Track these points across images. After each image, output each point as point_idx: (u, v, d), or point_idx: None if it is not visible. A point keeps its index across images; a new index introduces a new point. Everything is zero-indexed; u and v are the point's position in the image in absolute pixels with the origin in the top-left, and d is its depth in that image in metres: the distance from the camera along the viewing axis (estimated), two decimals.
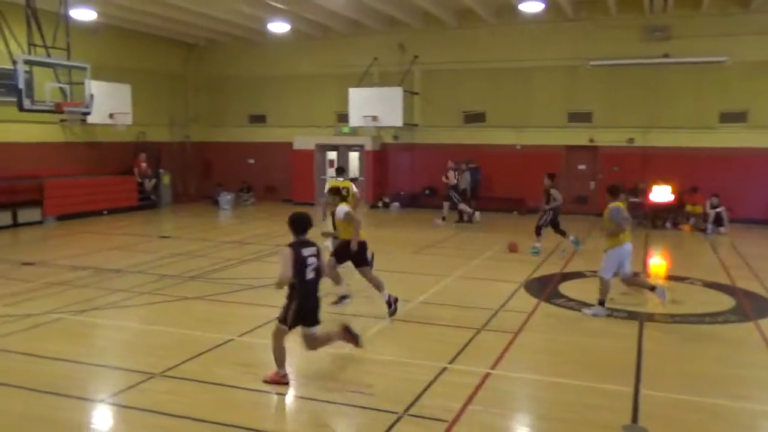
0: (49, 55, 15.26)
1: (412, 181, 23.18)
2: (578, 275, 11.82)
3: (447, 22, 21.31)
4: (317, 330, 6.68)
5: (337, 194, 9.59)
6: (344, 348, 7.54)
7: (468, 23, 21.46)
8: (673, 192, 18.87)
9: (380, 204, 23.19)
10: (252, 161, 25.31)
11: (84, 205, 19.47)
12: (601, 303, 9.14)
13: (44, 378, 6.68)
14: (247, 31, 22.79)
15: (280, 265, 6.36)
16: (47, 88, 15.91)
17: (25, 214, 17.95)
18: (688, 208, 18.60)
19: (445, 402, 6.06)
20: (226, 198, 23.41)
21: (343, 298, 9.60)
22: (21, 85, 14.22)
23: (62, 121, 19.77)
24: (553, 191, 14.00)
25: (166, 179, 23.83)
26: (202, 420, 5.67)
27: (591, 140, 20.95)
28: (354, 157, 23.92)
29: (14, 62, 14.21)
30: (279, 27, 21.18)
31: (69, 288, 10.73)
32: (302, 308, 6.46)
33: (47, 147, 19.87)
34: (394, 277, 11.93)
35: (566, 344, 8.08)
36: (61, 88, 16.41)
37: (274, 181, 24.92)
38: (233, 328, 8.43)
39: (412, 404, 6.00)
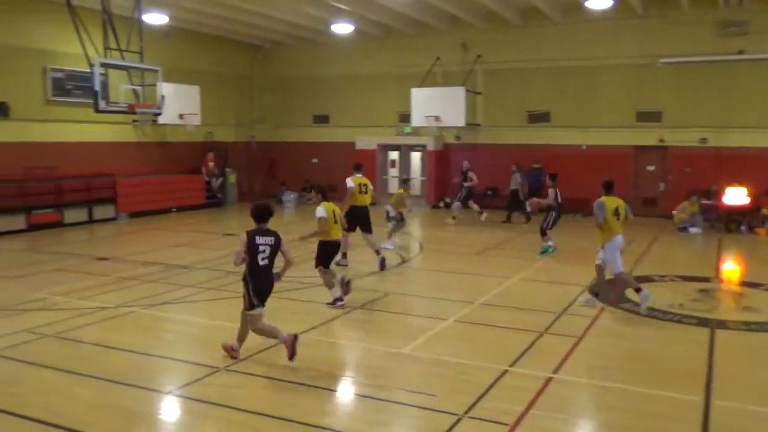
0: (123, 58, 15.84)
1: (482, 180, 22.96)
2: (646, 279, 11.46)
3: (511, 21, 21.04)
4: (262, 311, 7.19)
5: (320, 192, 10.08)
6: (403, 348, 7.56)
7: (533, 21, 21.13)
8: (749, 194, 18.06)
9: (441, 204, 23.10)
10: (315, 161, 25.64)
11: (154, 202, 20.16)
12: (638, 290, 9.18)
13: (115, 368, 6.95)
14: (312, 32, 23.11)
15: (236, 247, 7.08)
16: (121, 90, 16.54)
17: (100, 211, 18.75)
18: (765, 211, 17.78)
19: (506, 405, 5.98)
20: (289, 197, 23.80)
21: (338, 300, 9.57)
22: (97, 87, 14.80)
23: (134, 121, 20.53)
24: (550, 191, 13.98)
25: (232, 178, 24.43)
26: (264, 414, 5.78)
27: (661, 140, 20.29)
28: (416, 157, 23.92)
29: (91, 65, 14.80)
30: (343, 28, 21.41)
31: (140, 282, 11.12)
32: (257, 288, 7.07)
33: (120, 146, 20.67)
34: (455, 278, 11.91)
35: (633, 350, 7.85)
36: (134, 90, 17.02)
37: (336, 180, 25.06)
38: (295, 324, 8.52)
39: (471, 406, 5.95)
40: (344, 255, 12.40)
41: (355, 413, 6.12)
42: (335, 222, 9.79)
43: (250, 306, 7.12)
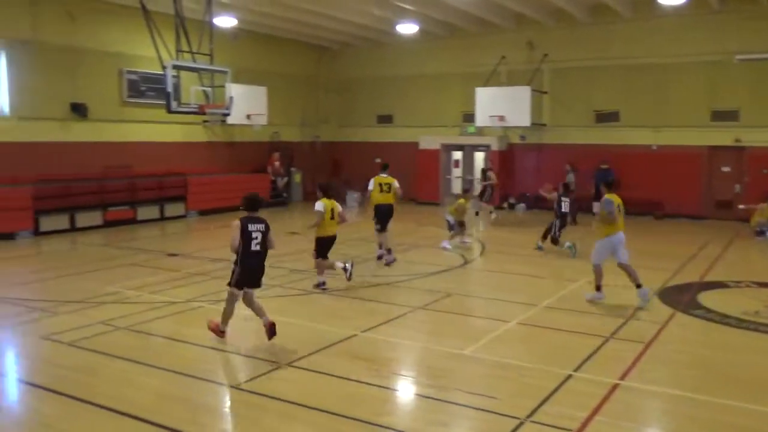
0: (194, 61, 16.33)
1: (538, 182, 22.54)
2: (720, 285, 11.02)
3: (579, 18, 20.60)
4: (256, 293, 7.87)
5: (320, 190, 10.61)
6: (464, 349, 7.51)
7: (602, 18, 20.63)
8: None
9: (505, 205, 22.83)
10: (378, 160, 25.69)
11: (222, 201, 20.66)
12: (598, 288, 9.81)
13: (183, 361, 7.17)
14: (377, 33, 23.24)
15: (230, 235, 7.58)
16: (192, 91, 17.05)
17: (171, 209, 19.39)
18: None
19: (570, 411, 5.85)
20: (353, 196, 24.01)
21: (321, 284, 10.56)
22: (169, 88, 15.30)
23: (205, 122, 21.15)
24: (552, 195, 14.09)
25: (297, 178, 24.83)
26: (326, 411, 5.84)
27: (737, 140, 19.44)
28: (479, 157, 23.71)
29: (164, 68, 15.31)
30: (408, 28, 21.44)
31: (208, 278, 11.44)
32: (245, 273, 7.65)
33: (191, 146, 21.32)
34: (518, 279, 11.75)
35: (706, 358, 7.55)
36: (204, 92, 17.52)
37: (399, 180, 25.10)
38: (357, 323, 8.62)
39: (534, 410, 5.85)
40: (388, 251, 12.78)
41: (416, 413, 6.11)
42: (332, 218, 10.35)
43: (233, 284, 7.70)
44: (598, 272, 9.87)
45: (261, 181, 23.03)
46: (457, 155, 24.10)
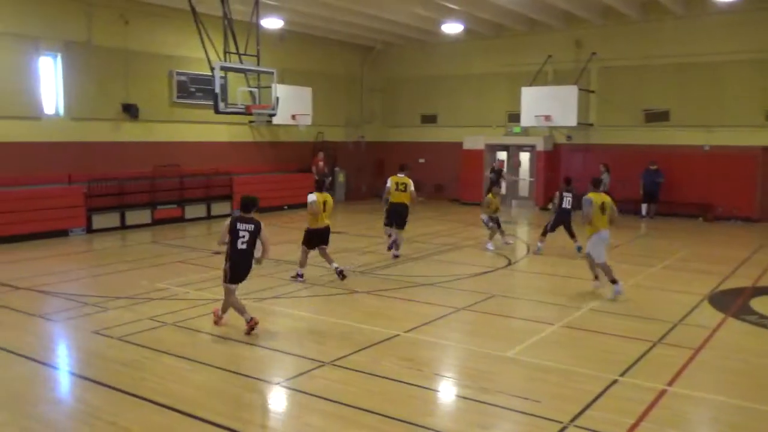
0: (241, 62, 16.56)
1: (584, 183, 22.14)
2: None
3: (629, 16, 20.19)
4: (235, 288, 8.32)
5: (316, 184, 11.39)
6: (507, 351, 7.45)
7: (652, 16, 20.19)
8: None
9: (550, 206, 22.47)
10: (422, 161, 25.71)
11: (268, 200, 20.87)
12: (614, 282, 10.06)
13: (227, 358, 7.30)
14: (422, 32, 23.20)
15: (222, 230, 8.17)
16: (239, 92, 17.31)
17: (217, 208, 19.72)
18: None
19: (615, 416, 5.74)
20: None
21: (299, 275, 11.20)
22: (217, 89, 15.53)
23: (251, 122, 21.47)
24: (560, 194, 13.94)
25: (341, 177, 24.97)
26: (367, 410, 5.86)
27: None
28: (525, 157, 23.45)
29: (212, 69, 15.56)
30: (453, 28, 21.35)
31: (252, 277, 11.52)
32: (234, 268, 8.12)
33: (237, 146, 21.66)
34: (563, 281, 11.58)
35: (756, 365, 7.31)
36: (250, 92, 17.76)
37: (443, 180, 25.13)
38: (399, 323, 8.62)
39: (578, 415, 5.76)
40: (397, 246, 13.44)
41: (457, 415, 6.08)
42: (323, 211, 10.93)
43: (225, 279, 8.24)
44: (606, 268, 10.22)
45: (305, 180, 23.23)
46: (502, 155, 23.88)
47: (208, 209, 19.50)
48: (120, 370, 6.89)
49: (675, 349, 7.65)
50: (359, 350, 7.50)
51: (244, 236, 8.06)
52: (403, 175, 13.40)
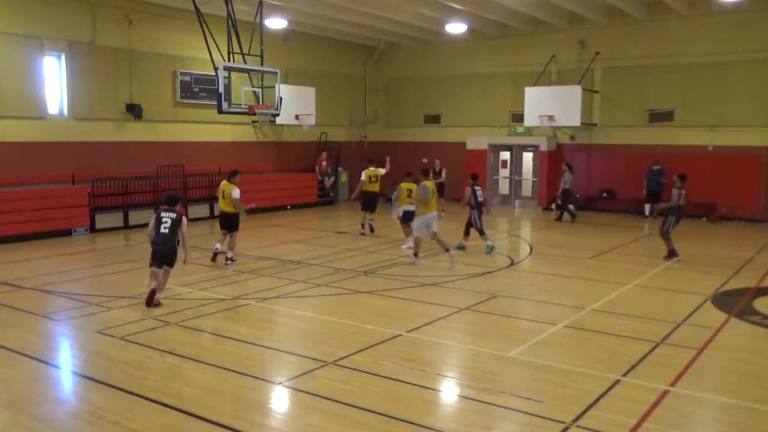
0: (245, 62, 16.57)
1: (588, 184, 22.20)
2: None
3: (633, 15, 20.14)
4: (162, 270, 9.47)
5: (233, 176, 12.78)
6: (509, 351, 7.45)
7: (656, 15, 20.14)
8: None
9: (553, 206, 22.48)
10: (425, 161, 25.66)
11: (271, 200, 20.94)
12: (416, 255, 12.67)
13: (230, 357, 7.30)
14: (426, 32, 23.20)
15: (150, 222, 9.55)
16: (242, 92, 17.33)
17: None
18: None
19: (618, 417, 5.73)
20: (396, 196, 23.95)
21: (230, 258, 12.62)
22: (221, 89, 15.55)
23: (254, 122, 21.48)
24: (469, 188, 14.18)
25: (344, 177, 24.98)
26: (369, 410, 5.87)
27: None
28: (528, 157, 23.43)
29: (216, 69, 15.58)
30: (457, 28, 21.33)
31: (256, 276, 11.62)
32: (153, 253, 9.45)
33: (241, 146, 21.69)
34: (566, 282, 11.57)
35: (762, 367, 7.29)
36: (254, 92, 17.77)
37: (446, 180, 25.04)
38: (402, 323, 8.62)
39: (580, 415, 5.75)
40: (371, 228, 16.23)
41: (459, 415, 6.08)
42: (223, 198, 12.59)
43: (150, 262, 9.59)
44: (417, 243, 12.71)
45: (309, 180, 23.27)
46: (505, 155, 23.86)
47: (211, 209, 19.51)
48: (123, 370, 6.91)
49: (678, 350, 7.64)
50: (362, 350, 7.51)
51: (166, 222, 9.39)
52: (373, 168, 16.27)
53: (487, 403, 6.10)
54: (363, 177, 16.30)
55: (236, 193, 12.52)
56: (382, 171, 16.50)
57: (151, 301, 9.27)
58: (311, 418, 5.80)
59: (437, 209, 13.69)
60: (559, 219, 19.39)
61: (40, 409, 6.01)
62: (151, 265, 9.47)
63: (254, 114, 17.64)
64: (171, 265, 9.52)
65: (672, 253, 13.17)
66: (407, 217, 14.07)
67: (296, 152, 23.65)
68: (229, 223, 12.77)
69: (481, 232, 14.17)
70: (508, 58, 23.19)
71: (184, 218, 9.48)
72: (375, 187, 16.22)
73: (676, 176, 13.44)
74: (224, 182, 12.88)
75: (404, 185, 14.23)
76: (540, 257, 14.00)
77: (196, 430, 5.55)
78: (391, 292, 10.53)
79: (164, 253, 9.38)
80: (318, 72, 23.81)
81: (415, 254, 12.66)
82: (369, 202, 16.18)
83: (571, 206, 19.37)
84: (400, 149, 26.32)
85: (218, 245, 12.82)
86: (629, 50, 20.87)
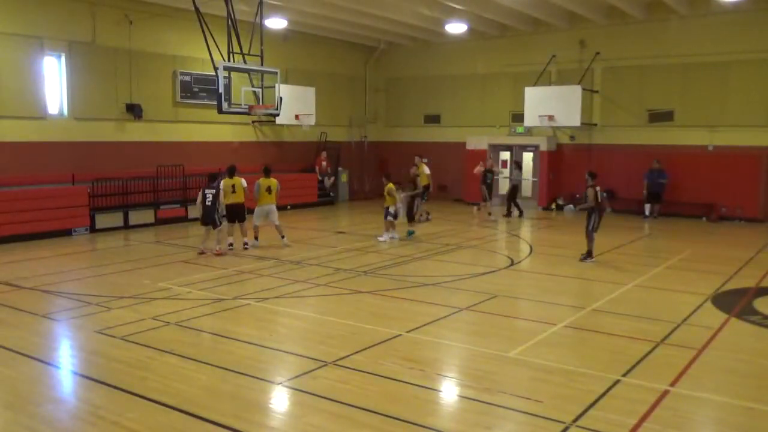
0: (245, 62, 16.57)
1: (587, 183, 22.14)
2: None
3: (633, 16, 20.15)
4: (209, 229, 13.48)
5: (233, 172, 14.17)
6: (509, 351, 7.45)
7: (656, 15, 20.15)
8: None
9: (553, 206, 22.50)
10: (426, 161, 25.63)
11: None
12: (256, 238, 14.47)
13: (230, 357, 7.30)
14: (426, 32, 23.20)
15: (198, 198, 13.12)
16: (242, 92, 17.32)
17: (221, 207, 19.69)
18: None
19: (618, 417, 5.73)
20: (399, 196, 23.94)
21: (230, 245, 13.97)
22: (221, 89, 15.55)
23: (254, 122, 21.49)
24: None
25: (344, 177, 24.98)
26: (369, 410, 5.87)
27: None
28: (528, 157, 23.42)
29: (216, 69, 15.58)
30: (457, 28, 21.33)
31: (255, 276, 11.62)
32: (201, 216, 13.42)
33: (240, 146, 21.69)
34: (566, 282, 11.57)
35: (763, 367, 7.28)
36: (254, 92, 17.76)
37: (446, 180, 25.11)
38: (402, 323, 8.62)
39: (580, 415, 5.75)
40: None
41: (459, 415, 6.08)
42: (233, 192, 13.92)
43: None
44: (256, 230, 14.46)
45: (308, 180, 23.26)
46: (505, 155, 23.85)
47: None
48: (123, 370, 6.91)
49: (678, 350, 7.64)
50: (361, 350, 7.51)
51: (209, 196, 13.23)
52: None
53: (487, 403, 6.10)
54: (423, 170, 18.13)
55: (244, 182, 14.13)
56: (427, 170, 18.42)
57: (202, 252, 13.42)
58: (311, 418, 5.80)
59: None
60: (508, 214, 20.36)
61: (40, 409, 6.01)
62: (203, 224, 13.53)
63: (254, 114, 17.65)
64: (215, 226, 13.43)
65: (589, 254, 13.01)
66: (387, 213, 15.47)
67: (296, 152, 23.65)
68: (241, 214, 14.10)
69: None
70: (508, 58, 23.20)
71: (220, 190, 13.38)
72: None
73: (587, 174, 13.15)
74: (228, 179, 13.99)
75: (264, 181, 14.96)
76: (540, 257, 14.00)
77: (196, 430, 5.55)
78: (391, 292, 10.53)
79: (209, 220, 13.36)
80: (318, 72, 23.81)
81: (255, 237, 14.52)
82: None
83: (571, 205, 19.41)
84: (400, 149, 26.34)
85: (247, 241, 14.21)
86: (629, 50, 20.88)
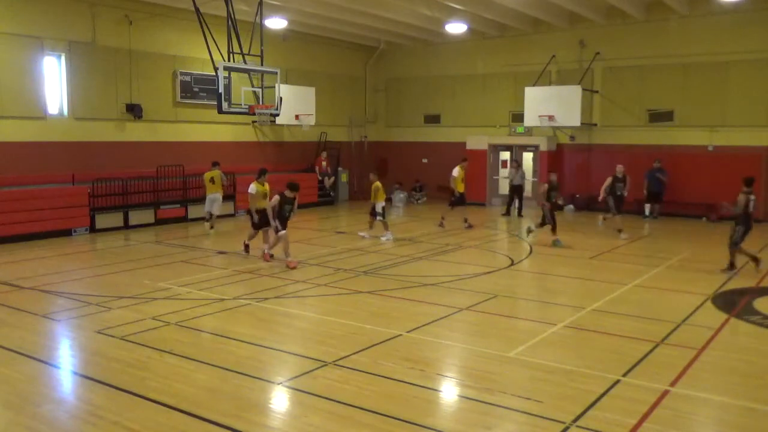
0: (245, 62, 16.58)
1: (588, 184, 22.19)
2: None
3: (633, 16, 20.15)
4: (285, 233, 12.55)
5: (261, 175, 13.96)
6: (509, 351, 7.45)
7: (656, 15, 20.15)
8: None
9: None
10: (425, 161, 25.70)
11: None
12: (211, 227, 16.50)
13: (230, 357, 7.30)
14: (426, 32, 23.19)
15: (270, 201, 12.56)
16: (242, 92, 17.33)
17: (221, 207, 19.67)
18: None
19: (618, 417, 5.73)
20: (399, 196, 24.00)
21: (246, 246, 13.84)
22: (221, 89, 15.55)
23: (254, 122, 21.48)
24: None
25: (344, 177, 24.99)
26: (369, 410, 5.87)
27: None
28: (528, 157, 23.42)
29: (216, 69, 15.58)
30: (457, 28, 21.33)
31: (256, 277, 11.62)
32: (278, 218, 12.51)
33: (241, 146, 21.69)
34: (566, 282, 11.58)
35: (763, 366, 7.28)
36: (254, 92, 17.76)
37: (446, 180, 25.02)
38: (402, 323, 8.62)
39: (580, 415, 5.76)
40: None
41: (459, 415, 6.08)
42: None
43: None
44: (209, 216, 16.30)
45: (309, 180, 23.24)
46: (505, 155, 23.85)
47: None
48: (123, 370, 6.91)
49: (678, 350, 7.64)
50: (362, 350, 7.51)
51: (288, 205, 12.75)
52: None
53: (487, 403, 6.10)
54: (455, 174, 17.94)
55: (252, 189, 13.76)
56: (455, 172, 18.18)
57: (246, 246, 13.76)
58: (311, 418, 5.80)
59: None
60: (506, 213, 20.78)
61: (40, 409, 6.01)
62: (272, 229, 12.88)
63: (254, 114, 17.64)
64: (276, 231, 12.63)
65: (731, 266, 12.15)
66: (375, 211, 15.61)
67: (296, 152, 23.64)
68: (267, 221, 12.96)
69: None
70: (508, 58, 23.20)
71: (273, 200, 12.61)
72: (461, 187, 18.04)
73: (743, 180, 12.16)
74: (259, 185, 13.73)
75: (208, 174, 16.38)
76: (540, 257, 14.00)
77: (196, 430, 5.55)
78: (391, 292, 10.53)
79: (263, 222, 13.10)
80: (318, 72, 23.81)
81: (211, 225, 16.44)
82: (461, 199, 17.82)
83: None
84: (400, 149, 26.39)
85: (266, 247, 13.20)
86: (629, 50, 20.87)
